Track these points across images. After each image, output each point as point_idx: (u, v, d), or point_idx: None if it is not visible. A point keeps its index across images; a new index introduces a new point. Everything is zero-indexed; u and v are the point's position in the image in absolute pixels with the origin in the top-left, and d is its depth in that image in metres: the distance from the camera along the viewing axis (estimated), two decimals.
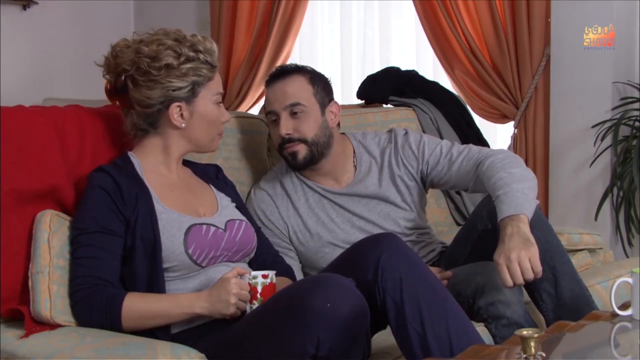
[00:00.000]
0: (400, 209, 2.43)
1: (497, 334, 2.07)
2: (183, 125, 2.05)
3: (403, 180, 2.44)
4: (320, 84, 2.40)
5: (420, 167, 2.44)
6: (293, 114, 2.35)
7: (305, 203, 2.41)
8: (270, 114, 2.39)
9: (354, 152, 2.48)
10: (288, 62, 4.54)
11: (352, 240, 2.25)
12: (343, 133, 2.51)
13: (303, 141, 2.35)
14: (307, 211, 2.40)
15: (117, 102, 2.11)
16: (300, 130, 2.35)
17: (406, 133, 2.49)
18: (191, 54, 2.02)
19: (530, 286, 2.15)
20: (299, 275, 2.34)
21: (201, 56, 2.04)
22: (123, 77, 2.04)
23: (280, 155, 2.42)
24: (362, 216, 2.41)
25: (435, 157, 2.42)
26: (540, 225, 2.12)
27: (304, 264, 2.40)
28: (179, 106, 2.04)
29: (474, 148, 2.40)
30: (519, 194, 2.09)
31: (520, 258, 1.96)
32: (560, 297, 2.13)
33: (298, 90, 2.36)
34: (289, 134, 2.34)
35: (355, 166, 2.47)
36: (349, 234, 2.38)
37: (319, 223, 2.39)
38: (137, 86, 2.02)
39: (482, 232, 2.25)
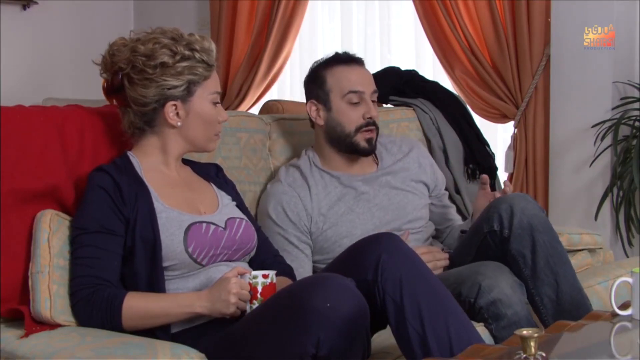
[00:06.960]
0: (417, 203, 2.51)
1: (498, 335, 2.08)
2: (179, 124, 2.05)
3: (419, 183, 2.56)
4: None
5: (430, 183, 2.59)
6: (373, 101, 2.46)
7: (327, 196, 2.44)
8: (353, 94, 2.44)
9: None
10: (288, 63, 4.56)
11: (369, 233, 2.26)
12: None
13: (376, 127, 2.46)
14: (328, 203, 2.43)
15: (115, 101, 2.11)
16: (376, 116, 2.46)
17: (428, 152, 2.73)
18: (187, 52, 2.02)
19: (532, 290, 2.18)
20: (308, 274, 2.35)
21: (197, 55, 2.03)
22: (120, 76, 2.04)
23: (347, 140, 2.46)
24: (382, 205, 2.46)
25: (438, 190, 2.62)
26: (547, 231, 2.21)
27: (320, 257, 2.42)
28: (175, 105, 2.04)
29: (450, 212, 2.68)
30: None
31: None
32: (560, 303, 2.16)
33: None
34: (375, 117, 2.45)
35: (377, 162, 2.56)
36: (367, 226, 2.41)
37: (339, 214, 2.42)
38: (133, 85, 2.02)
39: (486, 234, 2.28)
